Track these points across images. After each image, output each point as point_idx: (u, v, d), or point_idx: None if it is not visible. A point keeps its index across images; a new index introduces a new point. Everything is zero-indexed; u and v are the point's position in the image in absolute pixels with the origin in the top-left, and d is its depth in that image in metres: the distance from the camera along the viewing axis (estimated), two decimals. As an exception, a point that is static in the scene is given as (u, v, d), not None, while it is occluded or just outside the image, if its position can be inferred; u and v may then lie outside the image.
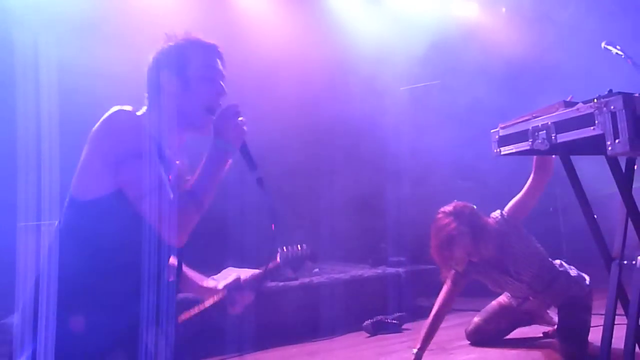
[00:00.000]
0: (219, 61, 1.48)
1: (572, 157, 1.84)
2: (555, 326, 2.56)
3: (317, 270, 3.72)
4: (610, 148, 1.39)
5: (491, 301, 2.79)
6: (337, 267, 3.85)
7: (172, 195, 1.31)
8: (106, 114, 1.33)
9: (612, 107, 1.39)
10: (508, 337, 2.77)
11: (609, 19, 4.21)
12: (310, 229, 4.03)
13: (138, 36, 3.41)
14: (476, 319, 2.76)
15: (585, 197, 1.82)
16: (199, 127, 1.45)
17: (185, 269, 1.64)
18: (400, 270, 3.70)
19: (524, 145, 1.70)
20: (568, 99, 1.64)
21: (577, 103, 1.53)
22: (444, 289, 2.44)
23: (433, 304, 3.50)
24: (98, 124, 1.33)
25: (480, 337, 2.71)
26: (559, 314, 2.50)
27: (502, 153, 1.81)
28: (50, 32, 2.96)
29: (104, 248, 1.30)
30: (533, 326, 2.85)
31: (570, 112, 1.52)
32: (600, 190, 2.93)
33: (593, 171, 2.39)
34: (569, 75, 4.13)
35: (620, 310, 1.72)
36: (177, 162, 1.51)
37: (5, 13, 3.19)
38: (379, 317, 3.17)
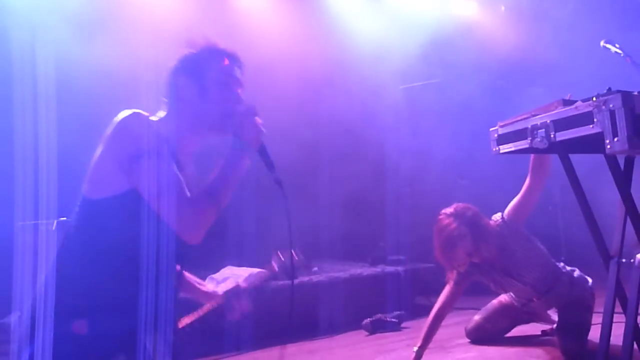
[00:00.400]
0: (237, 69, 1.50)
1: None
2: (555, 325, 2.56)
3: (316, 269, 3.72)
4: (609, 146, 1.39)
5: (491, 299, 2.79)
6: (336, 266, 3.85)
7: (188, 194, 1.33)
8: (119, 116, 1.36)
9: (610, 106, 1.39)
10: (507, 335, 2.78)
11: (608, 17, 4.21)
12: (309, 228, 4.03)
13: (136, 33, 3.42)
14: (476, 318, 2.76)
15: (584, 195, 1.82)
16: (215, 131, 1.47)
17: (185, 273, 1.65)
18: (400, 269, 3.70)
19: (523, 144, 1.70)
20: (567, 97, 1.64)
21: (576, 101, 1.53)
22: (446, 289, 2.45)
23: (432, 303, 3.51)
24: (112, 125, 1.35)
25: (480, 336, 2.72)
26: (559, 312, 2.51)
27: (501, 151, 1.81)
28: (48, 30, 2.95)
29: (114, 247, 1.31)
30: (532, 324, 2.85)
31: (569, 111, 1.52)
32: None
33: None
34: (567, 73, 4.13)
35: (618, 308, 1.72)
36: (188, 169, 1.52)
37: (4, 11, 3.18)
38: (378, 316, 3.17)
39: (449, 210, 2.36)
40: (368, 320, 3.15)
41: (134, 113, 1.36)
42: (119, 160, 1.32)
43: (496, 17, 5.20)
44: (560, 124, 1.55)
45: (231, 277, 3.12)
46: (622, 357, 1.57)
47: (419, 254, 3.82)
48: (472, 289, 2.74)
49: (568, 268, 2.53)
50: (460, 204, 2.38)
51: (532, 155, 2.26)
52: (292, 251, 1.64)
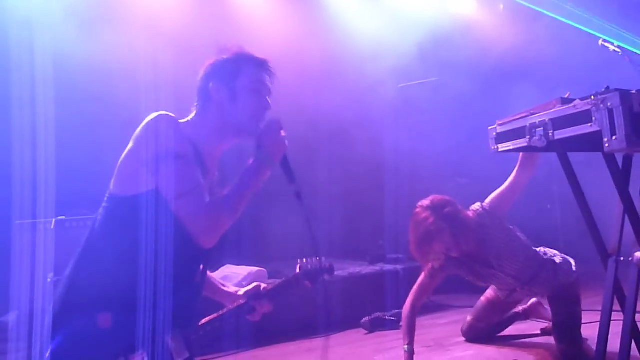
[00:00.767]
0: (267, 76, 1.54)
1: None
2: (552, 322, 2.55)
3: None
4: (607, 145, 1.39)
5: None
6: (335, 265, 3.84)
7: (207, 199, 1.38)
8: (149, 117, 1.41)
9: (609, 104, 1.39)
10: (505, 333, 2.78)
11: (607, 16, 4.21)
12: (316, 230, 4.02)
13: (135, 31, 3.41)
14: (468, 318, 2.74)
15: (582, 194, 1.82)
16: (243, 135, 1.52)
17: (209, 273, 1.67)
18: (398, 267, 3.70)
19: (521, 142, 1.70)
20: (566, 96, 1.64)
21: (575, 100, 1.53)
22: (419, 281, 2.38)
23: (431, 301, 3.51)
24: (141, 126, 1.40)
25: (475, 335, 2.71)
26: (550, 308, 2.46)
27: (499, 150, 1.82)
28: (46, 27, 2.94)
29: (138, 244, 1.34)
30: (530, 322, 2.86)
31: (568, 109, 1.53)
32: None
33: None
34: (566, 72, 4.13)
35: (616, 306, 1.72)
36: (214, 173, 1.57)
37: (1, 7, 3.17)
38: (376, 314, 3.17)
39: (425, 202, 2.25)
40: (367, 318, 3.15)
41: (163, 115, 1.41)
42: (145, 160, 1.36)
43: (494, 15, 5.20)
44: (559, 123, 1.55)
45: (230, 275, 3.12)
46: (620, 356, 1.57)
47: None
48: (469, 287, 2.75)
49: (550, 254, 2.45)
50: (438, 196, 2.27)
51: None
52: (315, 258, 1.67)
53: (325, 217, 4.09)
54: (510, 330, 2.79)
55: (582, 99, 1.49)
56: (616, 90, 1.40)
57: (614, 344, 1.63)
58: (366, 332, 3.11)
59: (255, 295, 1.67)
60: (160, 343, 1.33)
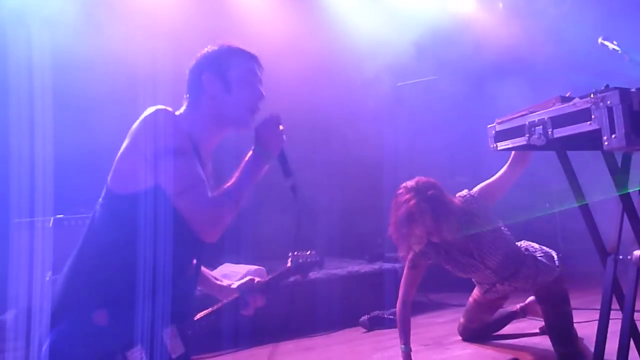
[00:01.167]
0: (258, 68, 1.57)
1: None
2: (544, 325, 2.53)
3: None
4: (606, 143, 1.39)
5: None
6: (334, 263, 3.85)
7: (210, 194, 1.37)
8: (145, 113, 1.39)
9: (608, 102, 1.39)
10: (504, 332, 2.78)
11: (606, 14, 4.21)
12: (307, 225, 4.02)
13: (134, 29, 3.40)
14: (461, 320, 2.73)
15: (581, 192, 1.82)
16: (240, 126, 1.52)
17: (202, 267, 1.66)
18: (397, 265, 3.70)
19: (520, 141, 1.70)
20: (566, 95, 1.64)
21: (574, 98, 1.53)
22: (404, 276, 2.35)
23: (430, 300, 3.51)
24: (138, 121, 1.38)
25: (471, 335, 2.70)
26: (540, 308, 2.41)
27: (498, 148, 1.81)
28: (44, 26, 2.93)
29: (135, 242, 1.33)
30: (529, 321, 2.86)
31: (567, 107, 1.52)
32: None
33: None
34: (565, 70, 4.13)
35: (615, 305, 1.72)
36: (209, 165, 1.57)
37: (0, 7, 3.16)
38: (375, 313, 3.17)
39: (410, 183, 2.18)
40: (365, 317, 3.15)
41: (161, 109, 1.39)
42: (144, 156, 1.35)
43: (494, 14, 5.20)
44: (558, 121, 1.55)
45: (229, 274, 3.12)
46: (619, 354, 1.57)
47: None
48: (467, 285, 2.75)
49: (531, 249, 2.40)
50: (423, 178, 2.20)
51: None
52: (298, 251, 1.71)
53: (324, 215, 4.09)
54: (508, 329, 2.79)
55: (581, 97, 1.48)
56: (615, 88, 1.40)
57: (612, 343, 1.63)
58: (365, 330, 3.11)
59: (248, 289, 1.68)
60: (158, 339, 1.33)
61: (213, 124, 1.49)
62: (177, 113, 1.46)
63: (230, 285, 1.72)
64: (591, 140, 1.47)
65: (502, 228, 2.35)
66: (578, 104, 1.48)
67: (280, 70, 4.00)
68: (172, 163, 1.34)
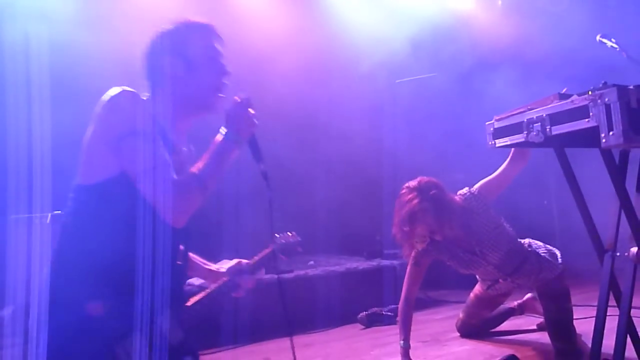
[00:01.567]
0: (218, 41, 1.48)
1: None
2: (544, 319, 2.55)
3: (312, 262, 3.72)
4: (604, 140, 1.39)
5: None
6: (332, 260, 3.86)
7: (175, 176, 1.32)
8: (108, 94, 1.33)
9: (606, 100, 1.39)
10: (501, 328, 2.79)
11: (606, 13, 4.20)
12: (305, 222, 4.02)
13: (133, 24, 3.38)
14: (460, 315, 2.74)
15: (579, 189, 1.82)
16: (208, 107, 1.46)
17: (190, 254, 1.65)
18: (395, 262, 3.71)
19: (518, 138, 1.69)
20: (563, 91, 1.64)
21: (572, 95, 1.53)
22: (407, 272, 2.38)
23: (428, 296, 3.52)
24: (100, 104, 1.32)
25: (469, 331, 2.72)
26: (541, 304, 2.43)
27: (497, 145, 1.81)
28: (42, 20, 2.92)
29: (114, 233, 1.30)
30: (526, 318, 2.87)
31: (565, 105, 1.52)
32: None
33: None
34: (563, 67, 4.13)
35: (612, 301, 1.73)
36: (184, 149, 1.52)
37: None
38: (373, 310, 3.18)
39: (412, 183, 2.24)
40: (364, 313, 3.16)
41: (124, 90, 1.33)
42: (109, 140, 1.30)
43: (493, 11, 5.19)
44: (556, 118, 1.55)
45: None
46: (615, 351, 1.58)
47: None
48: (465, 283, 2.75)
49: (534, 246, 2.44)
50: (425, 178, 2.26)
51: None
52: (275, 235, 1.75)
53: (323, 213, 4.10)
54: (506, 326, 2.80)
55: (579, 95, 1.48)
56: (614, 85, 1.40)
57: (609, 339, 1.64)
58: (363, 327, 3.12)
59: (237, 271, 1.68)
60: (156, 326, 1.30)
61: (179, 107, 1.42)
62: (146, 97, 1.41)
63: (219, 268, 1.70)
64: (589, 137, 1.47)
65: (504, 224, 2.37)
66: (576, 101, 1.48)
67: (277, 66, 4.01)
68: (134, 145, 1.28)
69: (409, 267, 2.38)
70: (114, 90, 1.33)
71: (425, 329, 2.92)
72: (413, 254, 2.35)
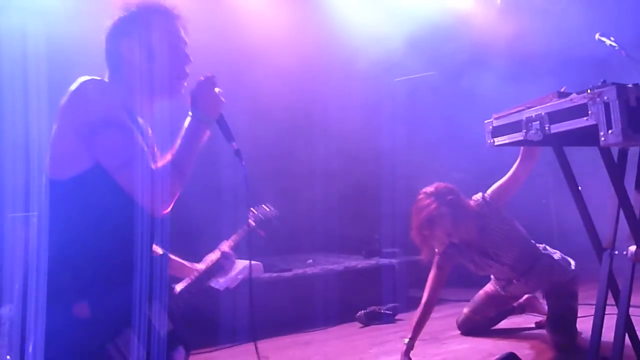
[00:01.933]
0: (181, 28, 1.44)
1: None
2: (547, 315, 2.58)
3: (310, 261, 3.72)
4: (603, 139, 1.39)
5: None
6: (331, 258, 3.86)
7: (153, 165, 1.29)
8: (73, 85, 1.28)
9: (605, 98, 1.38)
10: (501, 326, 2.80)
11: (605, 12, 4.20)
12: (304, 221, 4.02)
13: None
14: (465, 310, 2.78)
15: (577, 188, 1.82)
16: (168, 94, 1.43)
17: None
18: (394, 261, 3.71)
19: (517, 136, 1.69)
20: (562, 90, 1.64)
21: (571, 94, 1.53)
22: (431, 275, 2.45)
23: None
24: (66, 96, 1.28)
25: (470, 327, 2.74)
26: (547, 302, 2.53)
27: (495, 144, 1.81)
28: (39, 16, 2.90)
29: (92, 226, 1.27)
30: (525, 316, 2.88)
31: (564, 103, 1.52)
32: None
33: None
34: (562, 65, 4.13)
35: (610, 300, 1.73)
36: (151, 134, 1.48)
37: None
38: (372, 308, 3.18)
39: (429, 189, 2.33)
40: (362, 312, 3.16)
41: (91, 79, 1.29)
42: (79, 132, 1.25)
43: (492, 10, 5.18)
44: (555, 116, 1.54)
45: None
46: (614, 349, 1.58)
47: (413, 247, 3.81)
48: (464, 281, 2.76)
49: (549, 250, 2.53)
50: (441, 184, 2.36)
51: None
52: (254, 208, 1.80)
53: (320, 211, 4.09)
54: (505, 324, 2.81)
55: (578, 93, 1.48)
56: (612, 83, 1.40)
57: (607, 337, 1.64)
58: (361, 325, 3.12)
59: (225, 256, 1.72)
60: (144, 319, 1.27)
61: (139, 94, 1.38)
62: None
63: (194, 265, 1.71)
64: (588, 136, 1.47)
65: (516, 225, 2.46)
66: (575, 99, 1.48)
67: (275, 64, 3.99)
68: (108, 135, 1.24)
69: (432, 271, 2.45)
70: (80, 80, 1.29)
71: (424, 326, 2.92)
72: (436, 258, 2.42)
